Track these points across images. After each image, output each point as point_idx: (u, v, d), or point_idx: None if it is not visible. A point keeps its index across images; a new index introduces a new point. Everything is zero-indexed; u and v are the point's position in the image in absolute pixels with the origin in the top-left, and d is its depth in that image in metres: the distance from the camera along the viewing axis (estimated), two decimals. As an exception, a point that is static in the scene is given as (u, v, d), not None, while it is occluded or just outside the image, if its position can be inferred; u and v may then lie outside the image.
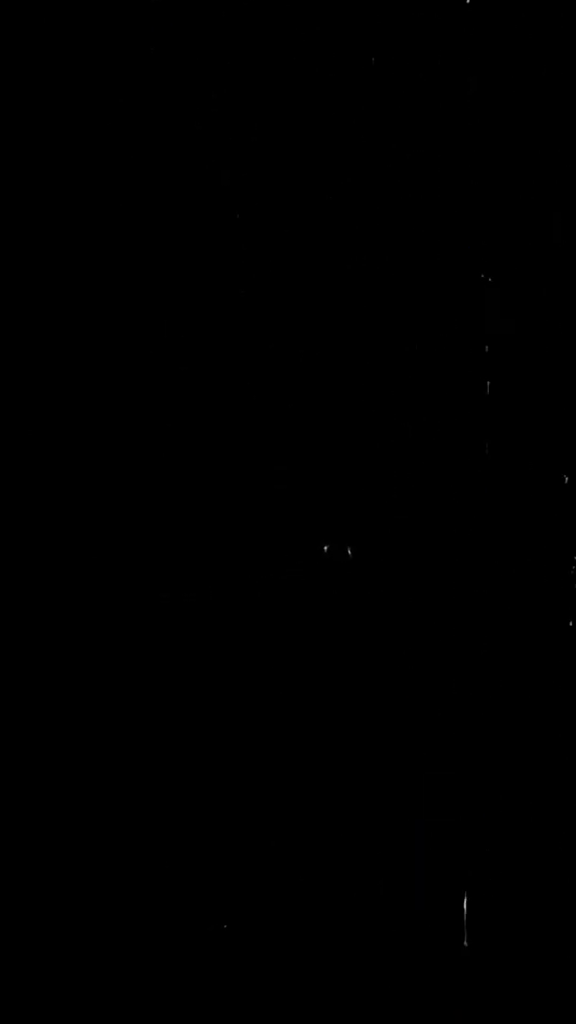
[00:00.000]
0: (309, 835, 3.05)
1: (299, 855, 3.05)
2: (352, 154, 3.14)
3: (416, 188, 3.14)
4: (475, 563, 3.12)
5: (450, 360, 3.14)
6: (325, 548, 3.08)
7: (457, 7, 3.12)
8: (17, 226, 3.11)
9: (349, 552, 3.08)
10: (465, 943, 3.02)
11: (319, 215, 3.13)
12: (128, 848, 3.03)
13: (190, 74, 3.13)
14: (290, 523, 3.11)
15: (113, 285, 3.12)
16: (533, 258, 3.14)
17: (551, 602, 3.10)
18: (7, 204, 3.11)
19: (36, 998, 2.98)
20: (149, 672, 3.07)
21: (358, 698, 3.09)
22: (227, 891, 3.03)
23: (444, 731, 3.08)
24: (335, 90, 3.13)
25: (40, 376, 3.10)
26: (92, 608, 3.07)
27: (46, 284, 3.11)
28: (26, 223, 3.11)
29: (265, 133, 3.13)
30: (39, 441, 3.09)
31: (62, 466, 3.09)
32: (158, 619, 3.07)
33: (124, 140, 3.12)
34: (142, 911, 3.02)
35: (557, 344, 3.14)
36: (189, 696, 3.07)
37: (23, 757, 3.04)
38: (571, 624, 3.09)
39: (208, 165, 3.13)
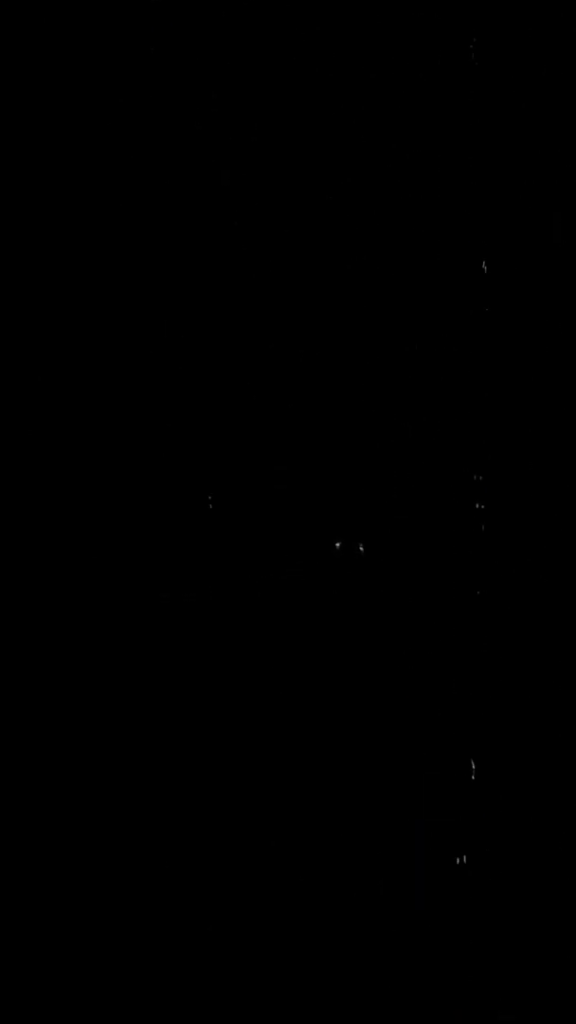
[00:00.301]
0: (309, 835, 3.05)
1: (299, 855, 3.05)
2: (352, 154, 3.14)
3: (416, 188, 3.14)
4: (475, 563, 3.11)
5: (450, 360, 3.13)
6: (336, 545, 3.08)
7: (457, 8, 3.13)
8: (17, 226, 3.11)
9: (361, 549, 3.08)
10: (465, 941, 3.02)
11: (319, 215, 3.13)
12: (128, 848, 3.03)
13: (190, 74, 3.13)
14: (290, 523, 3.11)
15: (113, 285, 3.12)
16: (533, 258, 3.14)
17: (552, 602, 3.10)
18: (7, 204, 3.11)
19: (36, 998, 2.98)
20: (149, 671, 3.07)
21: (357, 699, 3.09)
22: (227, 890, 3.03)
23: (444, 731, 3.08)
24: (335, 90, 3.13)
25: (41, 376, 3.10)
26: (92, 608, 3.07)
27: (46, 284, 3.11)
28: (27, 223, 3.11)
29: (265, 133, 3.13)
30: (40, 441, 3.09)
31: (63, 466, 3.09)
32: (158, 619, 3.07)
33: (124, 140, 3.12)
34: (142, 910, 3.02)
35: (557, 344, 3.14)
36: (189, 696, 3.07)
37: (24, 757, 3.04)
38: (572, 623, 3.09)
39: (208, 165, 3.13)
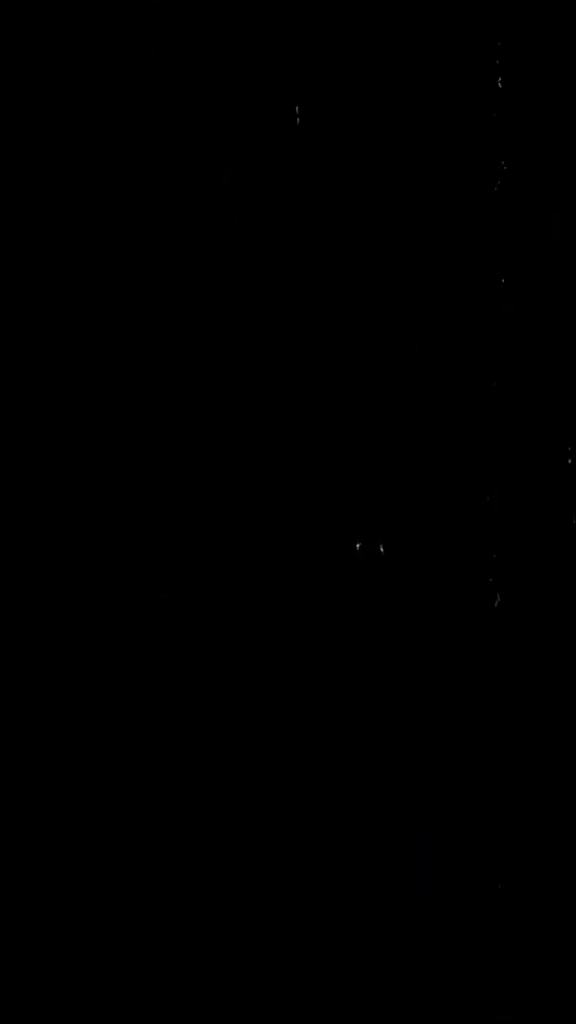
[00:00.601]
0: (310, 835, 3.05)
1: (300, 855, 3.05)
2: (352, 154, 3.14)
3: (417, 188, 3.14)
4: (475, 564, 3.12)
5: (451, 359, 3.14)
6: (357, 546, 3.09)
7: (460, 8, 3.13)
8: (17, 227, 3.11)
9: (381, 550, 3.09)
10: (465, 941, 3.02)
11: (319, 215, 3.13)
12: (128, 849, 3.03)
13: (190, 74, 3.13)
14: (289, 523, 3.11)
15: (113, 285, 3.12)
16: (537, 259, 3.14)
17: (554, 603, 3.10)
18: (7, 205, 3.11)
19: (36, 998, 2.98)
20: (149, 671, 3.07)
21: (358, 699, 3.09)
22: (227, 890, 3.03)
23: (444, 731, 3.08)
24: (335, 89, 3.13)
25: (41, 377, 3.10)
26: (92, 608, 3.07)
27: (47, 284, 3.11)
28: (27, 223, 3.11)
29: (265, 133, 3.13)
30: (40, 442, 3.10)
31: (63, 466, 3.10)
32: (158, 619, 3.07)
33: (124, 140, 3.12)
34: (142, 911, 3.02)
35: (561, 342, 3.14)
36: (189, 696, 3.07)
37: (24, 757, 3.04)
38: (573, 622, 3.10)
39: (208, 165, 3.13)
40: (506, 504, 3.12)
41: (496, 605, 3.10)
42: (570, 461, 3.12)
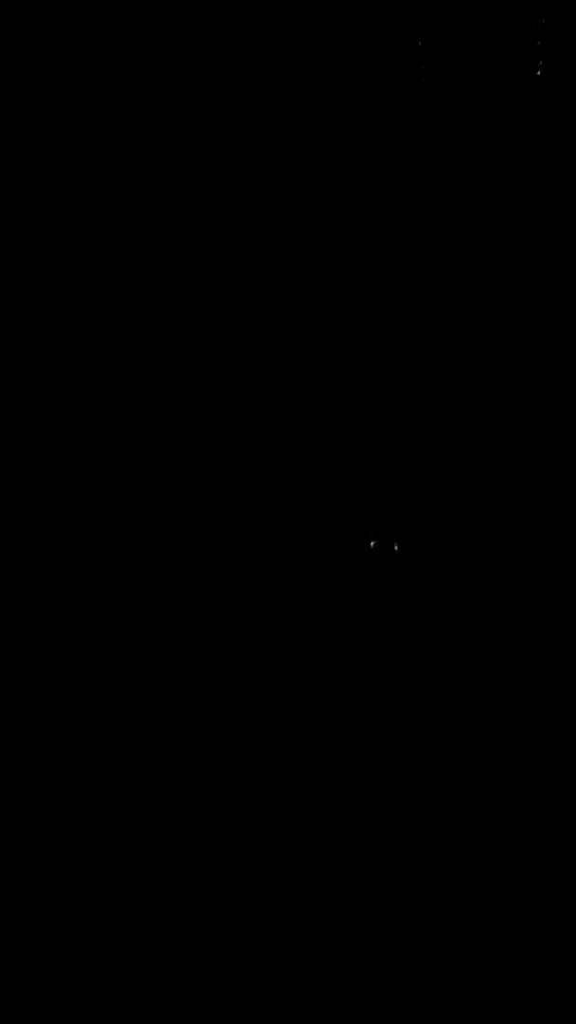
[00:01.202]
0: (310, 835, 3.05)
1: (300, 854, 3.05)
2: (351, 154, 3.14)
3: (416, 188, 3.14)
4: (474, 565, 3.12)
5: (450, 359, 3.14)
6: (371, 544, 3.09)
7: (453, 12, 3.13)
8: (18, 226, 3.11)
9: (396, 548, 3.09)
10: (465, 941, 3.02)
11: (319, 215, 3.14)
12: (129, 847, 3.03)
13: (190, 74, 3.13)
14: (289, 523, 3.11)
15: (113, 285, 3.12)
16: (534, 259, 3.15)
17: (553, 603, 3.10)
18: (8, 204, 3.12)
19: (36, 998, 2.98)
20: (149, 670, 3.07)
21: (358, 699, 3.09)
22: (228, 890, 3.03)
23: (444, 731, 3.08)
24: (334, 90, 3.13)
25: (42, 377, 3.10)
26: (93, 608, 3.08)
27: (47, 284, 3.12)
28: (27, 223, 3.11)
29: (265, 133, 3.14)
30: (41, 442, 3.10)
31: (63, 466, 3.10)
32: (158, 618, 3.07)
33: (125, 140, 3.12)
34: (143, 910, 3.02)
35: (559, 341, 3.14)
36: (189, 695, 3.07)
37: (25, 755, 3.04)
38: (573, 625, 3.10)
39: (208, 165, 3.13)
40: (507, 503, 3.13)
41: (496, 606, 3.11)
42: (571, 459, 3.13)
